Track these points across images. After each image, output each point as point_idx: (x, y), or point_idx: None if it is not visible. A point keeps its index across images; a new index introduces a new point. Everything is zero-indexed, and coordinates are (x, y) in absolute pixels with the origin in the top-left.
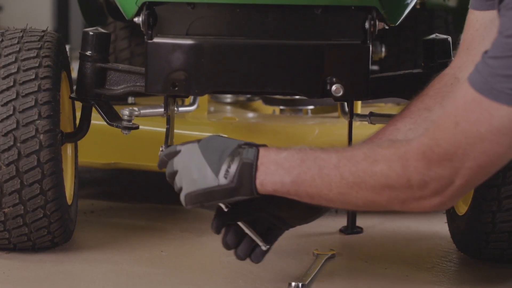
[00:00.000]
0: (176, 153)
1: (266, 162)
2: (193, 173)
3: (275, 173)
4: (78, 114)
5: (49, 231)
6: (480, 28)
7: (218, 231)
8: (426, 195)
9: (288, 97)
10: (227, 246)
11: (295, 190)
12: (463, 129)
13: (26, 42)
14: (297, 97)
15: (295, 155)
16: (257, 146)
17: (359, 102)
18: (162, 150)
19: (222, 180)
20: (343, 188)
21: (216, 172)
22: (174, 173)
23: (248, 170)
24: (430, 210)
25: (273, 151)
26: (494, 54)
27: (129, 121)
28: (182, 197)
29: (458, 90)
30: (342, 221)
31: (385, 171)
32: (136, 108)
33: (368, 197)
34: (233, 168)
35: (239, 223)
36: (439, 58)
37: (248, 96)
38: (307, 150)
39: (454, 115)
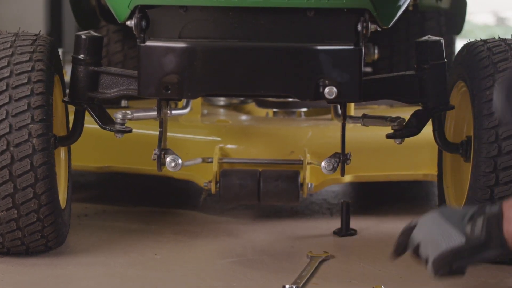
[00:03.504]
0: (412, 228)
1: None
2: (437, 237)
3: None
4: (71, 118)
5: (43, 235)
6: None
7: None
8: None
9: (281, 99)
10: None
11: None
12: None
13: (19, 46)
14: (290, 99)
15: None
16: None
17: (352, 104)
18: (155, 153)
19: (470, 236)
20: None
21: (462, 231)
22: (417, 246)
23: (495, 222)
24: None
25: None
26: None
27: (122, 124)
28: (429, 266)
29: None
30: (336, 223)
31: None
32: (129, 112)
33: None
34: (479, 223)
35: None
36: (432, 59)
37: (241, 98)
38: None
39: None
